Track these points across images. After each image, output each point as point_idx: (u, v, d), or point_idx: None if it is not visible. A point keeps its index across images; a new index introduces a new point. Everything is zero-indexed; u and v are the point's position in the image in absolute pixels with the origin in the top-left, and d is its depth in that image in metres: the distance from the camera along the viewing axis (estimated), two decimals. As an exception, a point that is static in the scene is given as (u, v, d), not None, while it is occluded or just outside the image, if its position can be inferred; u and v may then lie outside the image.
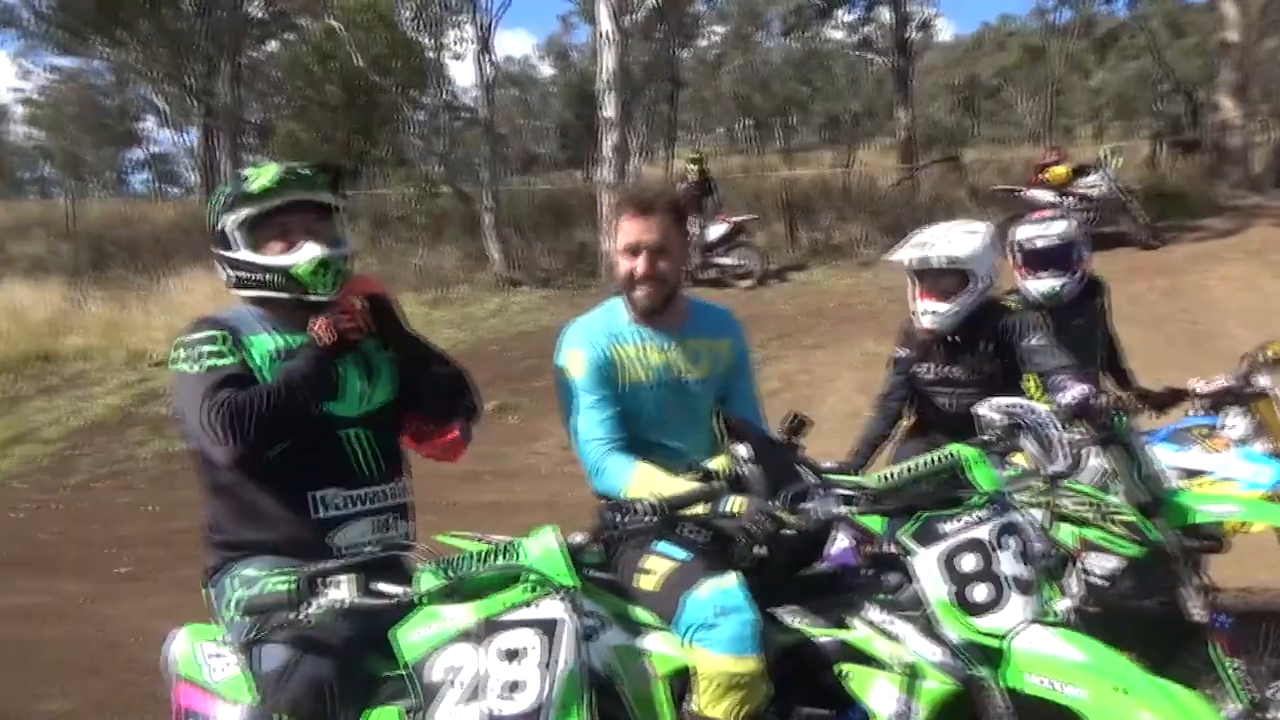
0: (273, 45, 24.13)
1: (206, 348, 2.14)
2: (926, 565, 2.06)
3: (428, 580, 1.70)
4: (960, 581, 2.04)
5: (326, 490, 2.18)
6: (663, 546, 2.25)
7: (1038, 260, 3.82)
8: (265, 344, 2.21)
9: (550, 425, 8.11)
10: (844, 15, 19.03)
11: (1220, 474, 3.54)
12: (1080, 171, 12.89)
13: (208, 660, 2.28)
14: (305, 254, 2.17)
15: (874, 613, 2.14)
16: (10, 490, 7.81)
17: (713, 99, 40.72)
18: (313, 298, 2.18)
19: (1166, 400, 4.06)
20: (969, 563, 2.05)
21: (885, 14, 21.66)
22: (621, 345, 2.46)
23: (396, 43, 16.00)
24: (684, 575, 2.16)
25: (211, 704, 2.22)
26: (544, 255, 15.05)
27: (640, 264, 2.41)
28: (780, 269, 13.51)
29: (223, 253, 2.23)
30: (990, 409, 2.37)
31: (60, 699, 3.93)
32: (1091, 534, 3.00)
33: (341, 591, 1.68)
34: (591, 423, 2.39)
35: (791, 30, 22.81)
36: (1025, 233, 3.86)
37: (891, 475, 2.17)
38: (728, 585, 2.08)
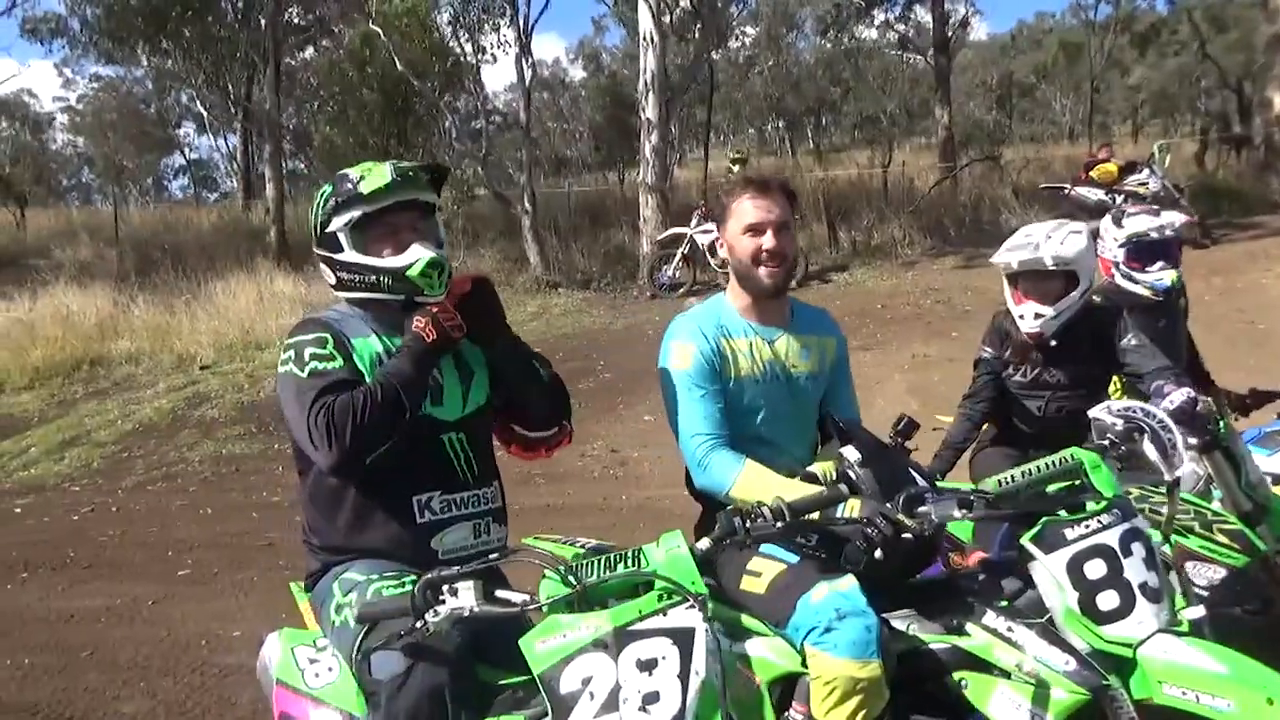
0: (309, 52, 24.41)
1: (312, 349, 2.12)
2: (1052, 571, 2.00)
3: (551, 588, 1.66)
4: (1087, 588, 1.97)
5: (429, 494, 2.16)
6: (769, 549, 2.21)
7: (1152, 253, 3.69)
8: (371, 347, 2.20)
9: (599, 429, 8.09)
10: (881, 14, 18.80)
11: (1305, 479, 3.43)
12: (1129, 169, 12.68)
13: (306, 665, 2.26)
14: (416, 255, 2.14)
15: (993, 619, 2.07)
16: (66, 493, 7.90)
17: (744, 100, 40.51)
18: (424, 299, 2.15)
19: (1251, 403, 3.95)
20: (1095, 569, 1.98)
21: (921, 13, 21.46)
22: (731, 338, 2.43)
23: (434, 47, 16.04)
24: (796, 578, 2.11)
25: (312, 710, 2.20)
26: (581, 257, 15.04)
27: (767, 240, 2.39)
28: (821, 270, 13.40)
29: (330, 255, 2.21)
30: (1107, 413, 2.30)
31: (136, 700, 3.96)
32: (1193, 543, 2.90)
33: (464, 599, 1.64)
34: (696, 417, 2.35)
35: (828, 30, 22.59)
36: (1140, 224, 3.72)
37: (1009, 479, 2.10)
38: (846, 588, 2.03)
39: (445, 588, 1.66)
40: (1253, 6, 32.49)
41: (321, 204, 2.22)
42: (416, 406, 2.10)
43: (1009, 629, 2.04)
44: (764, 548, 2.20)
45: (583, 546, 2.86)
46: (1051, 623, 2.04)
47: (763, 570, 2.19)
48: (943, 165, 16.32)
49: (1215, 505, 3.02)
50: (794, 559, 2.18)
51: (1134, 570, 1.98)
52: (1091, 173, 12.74)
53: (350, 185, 2.17)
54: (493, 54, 15.04)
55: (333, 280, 2.24)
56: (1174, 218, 3.78)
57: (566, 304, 13.35)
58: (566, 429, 2.43)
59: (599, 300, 13.33)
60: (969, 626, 2.09)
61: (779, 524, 1.76)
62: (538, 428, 2.39)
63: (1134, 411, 2.28)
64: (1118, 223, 3.75)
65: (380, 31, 13.97)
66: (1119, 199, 12.39)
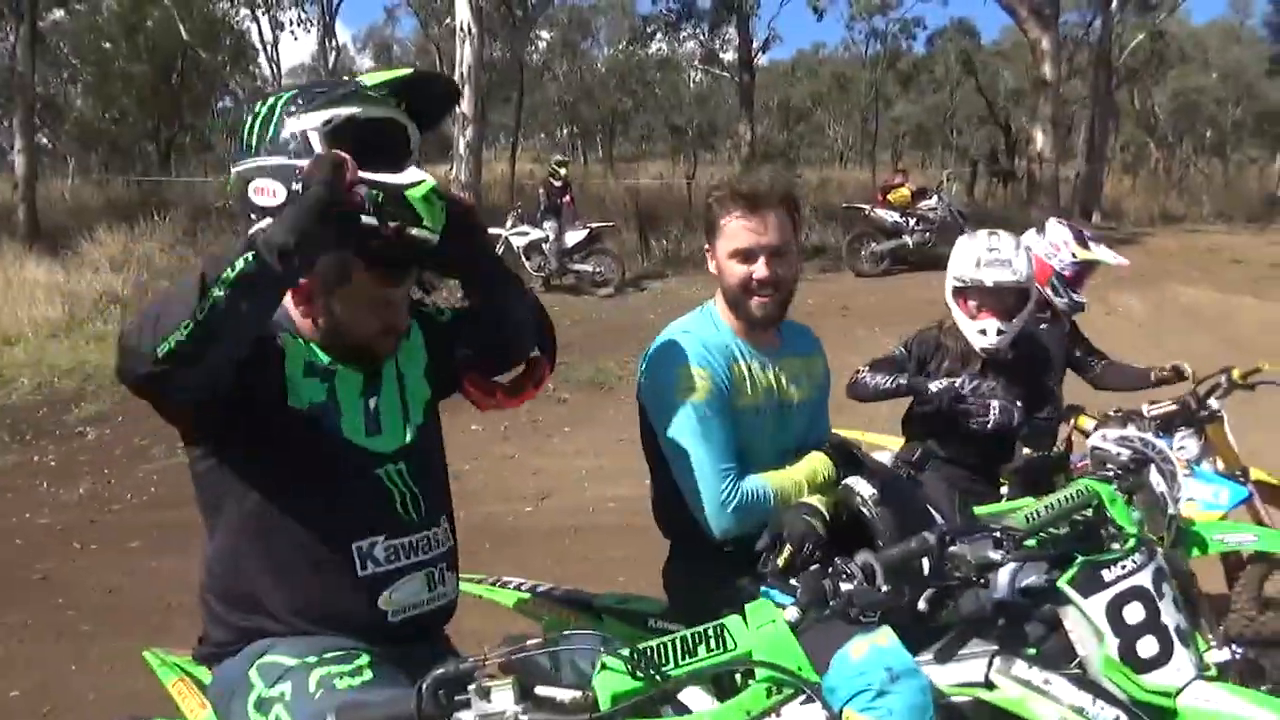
0: (59, 14, 21.68)
1: None
2: (1091, 616, 1.85)
3: (617, 682, 1.28)
4: (1127, 634, 1.84)
5: (371, 540, 1.71)
6: (768, 592, 1.92)
7: (1083, 278, 3.79)
8: (296, 347, 1.71)
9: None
10: (689, 29, 19.14)
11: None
12: (920, 194, 13.58)
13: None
14: (419, 175, 1.56)
15: (1024, 670, 1.90)
16: None
17: (538, 104, 40.27)
18: (418, 232, 1.55)
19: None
20: (1134, 613, 1.85)
21: (714, 34, 21.94)
22: (737, 362, 2.14)
23: (221, 18, 14.68)
24: (821, 629, 1.84)
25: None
26: (384, 254, 14.15)
27: (759, 269, 2.10)
28: (636, 278, 13.35)
29: (286, 162, 1.58)
30: (1104, 440, 2.19)
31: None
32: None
33: (499, 702, 1.24)
34: (717, 452, 2.05)
35: (634, 41, 22.83)
36: (1104, 255, 3.82)
37: (1035, 514, 1.94)
38: (888, 643, 1.78)
39: (471, 687, 1.24)
40: (997, 54, 36.21)
41: (280, 105, 1.62)
42: (291, 281, 1.48)
43: (1045, 681, 1.87)
44: (771, 591, 1.92)
45: (519, 587, 2.47)
46: (1083, 670, 1.90)
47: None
48: (747, 180, 16.74)
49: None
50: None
51: (1169, 613, 1.87)
52: (888, 196, 13.54)
53: (344, 83, 1.64)
54: (292, 32, 13.87)
55: (266, 210, 1.59)
56: (1119, 256, 3.93)
57: (370, 303, 12.48)
58: (544, 359, 2.01)
59: (406, 300, 12.58)
60: (996, 677, 1.91)
61: (885, 589, 1.45)
62: (518, 361, 1.99)
63: (1134, 441, 2.19)
64: (1081, 243, 3.80)
65: (162, -6, 12.53)
66: (911, 221, 13.27)
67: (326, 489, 1.69)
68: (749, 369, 2.15)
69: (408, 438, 1.81)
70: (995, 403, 2.87)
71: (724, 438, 2.06)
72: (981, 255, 2.98)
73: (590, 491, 6.45)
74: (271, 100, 1.66)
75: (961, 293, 3.02)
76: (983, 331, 2.98)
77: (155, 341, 1.38)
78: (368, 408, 1.76)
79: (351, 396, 1.75)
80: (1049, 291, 3.73)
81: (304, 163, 1.53)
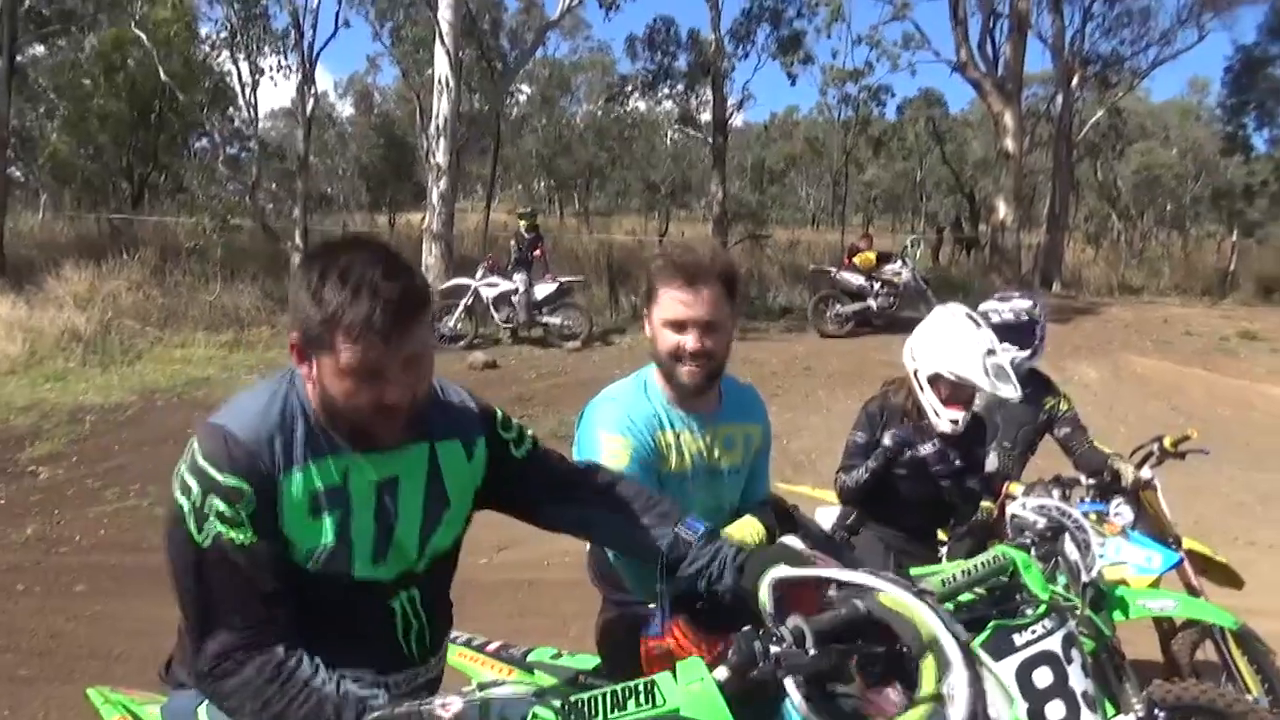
0: (39, 49, 21.79)
1: (219, 503, 1.51)
2: (1002, 680, 1.93)
3: (548, 731, 1.32)
4: (1036, 698, 1.92)
5: (359, 673, 1.64)
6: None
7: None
8: (297, 483, 1.57)
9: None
10: (665, 89, 19.58)
11: (1113, 559, 3.68)
12: (884, 259, 13.85)
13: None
14: None
15: (937, 732, 1.96)
16: None
17: (514, 156, 40.74)
18: None
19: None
20: (1043, 677, 1.94)
21: (693, 94, 22.41)
22: (663, 430, 2.20)
23: (200, 62, 14.81)
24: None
25: None
26: (354, 301, 14.15)
27: (690, 340, 2.15)
28: (604, 332, 13.45)
29: None
30: (1023, 509, 2.29)
31: None
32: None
33: None
34: None
35: (611, 100, 23.35)
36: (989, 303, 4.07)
37: (952, 578, 2.02)
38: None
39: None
40: (965, 124, 37.26)
41: None
42: None
43: (957, 743, 1.93)
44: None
45: (466, 643, 2.51)
46: (994, 734, 1.97)
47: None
48: (717, 239, 17.06)
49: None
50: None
51: (1076, 678, 1.96)
52: (854, 259, 13.81)
53: None
54: (273, 78, 14.06)
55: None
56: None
57: (336, 349, 12.44)
58: None
59: (372, 347, 12.56)
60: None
61: (812, 652, 1.48)
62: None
63: (1050, 510, 2.29)
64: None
65: (144, 36, 12.63)
66: (876, 285, 13.52)
67: (338, 627, 1.64)
68: (677, 437, 2.21)
69: (420, 563, 1.72)
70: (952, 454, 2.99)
71: None
72: (988, 364, 2.96)
73: (546, 545, 6.44)
74: None
75: (942, 381, 3.03)
76: (954, 421, 3.01)
77: None
78: (381, 518, 1.66)
79: (365, 502, 1.63)
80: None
81: None
